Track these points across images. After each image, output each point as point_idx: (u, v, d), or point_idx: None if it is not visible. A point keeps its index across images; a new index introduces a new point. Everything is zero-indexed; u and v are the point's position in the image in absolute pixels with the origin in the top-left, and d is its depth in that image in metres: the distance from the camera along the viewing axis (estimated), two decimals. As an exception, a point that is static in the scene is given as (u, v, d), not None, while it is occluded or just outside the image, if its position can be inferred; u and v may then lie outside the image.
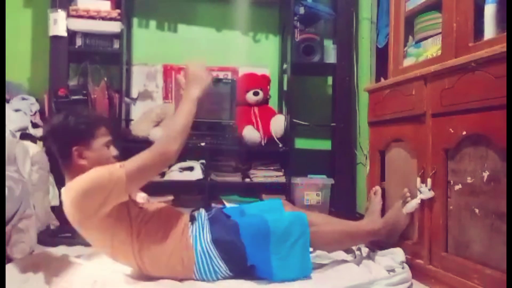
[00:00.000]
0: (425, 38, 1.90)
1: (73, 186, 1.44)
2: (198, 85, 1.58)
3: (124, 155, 2.83)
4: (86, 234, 1.54)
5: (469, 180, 1.48)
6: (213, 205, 2.77)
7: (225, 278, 1.57)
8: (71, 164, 1.52)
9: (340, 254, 1.90)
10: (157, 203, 1.74)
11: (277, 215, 1.69)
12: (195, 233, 1.58)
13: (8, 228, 1.81)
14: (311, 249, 1.69)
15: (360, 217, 2.69)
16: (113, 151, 1.60)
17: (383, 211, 1.98)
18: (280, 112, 3.18)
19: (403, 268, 1.67)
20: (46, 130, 1.64)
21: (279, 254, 1.57)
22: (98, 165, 1.48)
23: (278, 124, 2.91)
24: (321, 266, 1.74)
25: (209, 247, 1.54)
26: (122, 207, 1.50)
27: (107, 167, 1.46)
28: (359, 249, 1.92)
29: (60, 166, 1.56)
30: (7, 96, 2.67)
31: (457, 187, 1.54)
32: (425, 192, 1.66)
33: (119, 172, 1.42)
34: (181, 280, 1.56)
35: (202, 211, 1.72)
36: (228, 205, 2.77)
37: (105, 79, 2.65)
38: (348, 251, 1.92)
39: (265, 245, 1.56)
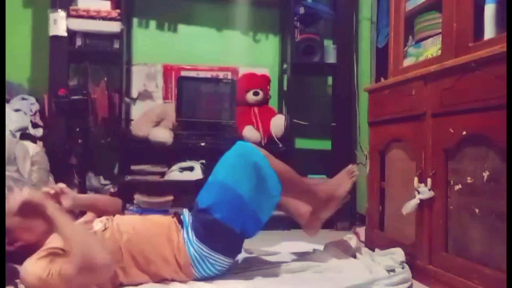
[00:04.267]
0: (425, 38, 1.90)
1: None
2: None
3: (124, 155, 2.86)
4: None
5: (469, 180, 1.48)
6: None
7: (227, 267, 1.58)
8: None
9: (340, 254, 1.90)
10: (129, 217, 1.70)
11: (223, 166, 1.64)
12: (185, 235, 1.56)
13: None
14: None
15: (360, 217, 2.70)
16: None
17: (382, 212, 2.01)
18: (280, 112, 3.18)
19: (403, 268, 1.67)
20: None
21: (251, 190, 1.56)
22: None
23: (278, 124, 2.91)
24: (321, 266, 1.73)
25: (198, 245, 1.53)
26: None
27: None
28: (358, 249, 1.92)
29: None
30: (7, 96, 2.68)
31: (457, 187, 1.54)
32: (425, 192, 1.65)
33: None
34: (184, 281, 1.56)
35: (185, 212, 1.68)
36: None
37: (105, 79, 2.64)
38: (348, 251, 1.92)
39: (242, 204, 1.55)
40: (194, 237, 1.54)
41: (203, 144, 2.79)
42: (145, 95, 3.11)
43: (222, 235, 1.54)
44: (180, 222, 1.62)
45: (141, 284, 1.49)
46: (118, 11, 2.76)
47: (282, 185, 1.63)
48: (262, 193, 1.58)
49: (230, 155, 1.63)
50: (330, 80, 3.26)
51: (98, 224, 1.53)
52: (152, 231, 1.55)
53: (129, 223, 1.56)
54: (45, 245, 1.40)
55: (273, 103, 3.20)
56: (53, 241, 1.40)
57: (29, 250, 1.39)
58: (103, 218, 1.58)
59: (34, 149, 2.37)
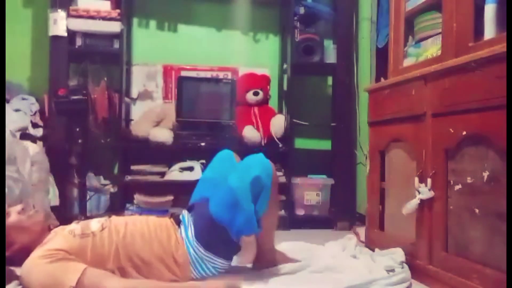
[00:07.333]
0: (425, 38, 1.90)
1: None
2: None
3: (124, 155, 2.86)
4: None
5: (469, 180, 1.48)
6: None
7: (225, 268, 1.57)
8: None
9: (340, 254, 1.90)
10: (125, 218, 1.66)
11: (239, 176, 1.59)
12: (184, 234, 1.56)
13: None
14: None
15: (360, 217, 2.70)
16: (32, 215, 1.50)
17: (382, 212, 2.01)
18: (280, 112, 3.18)
19: (402, 268, 1.67)
20: None
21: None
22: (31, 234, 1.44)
23: (278, 124, 2.91)
24: (321, 266, 1.73)
25: (196, 246, 1.53)
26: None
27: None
28: (358, 249, 1.92)
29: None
30: (7, 96, 2.68)
31: (457, 187, 1.54)
32: (425, 192, 1.65)
33: None
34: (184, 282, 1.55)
35: (185, 212, 1.67)
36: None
37: (105, 79, 2.64)
38: (348, 251, 1.92)
39: (238, 210, 1.52)
40: (194, 236, 1.54)
41: (203, 144, 2.80)
42: (145, 95, 3.11)
43: (214, 232, 1.53)
44: (178, 222, 1.62)
45: None
46: (118, 11, 2.77)
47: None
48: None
49: (256, 169, 1.58)
50: (330, 80, 3.26)
51: (96, 224, 1.51)
52: (146, 231, 1.53)
53: (124, 224, 1.54)
54: (42, 244, 1.41)
55: (273, 103, 3.20)
56: (52, 242, 1.41)
57: (25, 251, 1.40)
58: (101, 218, 1.57)
59: (34, 149, 2.37)
